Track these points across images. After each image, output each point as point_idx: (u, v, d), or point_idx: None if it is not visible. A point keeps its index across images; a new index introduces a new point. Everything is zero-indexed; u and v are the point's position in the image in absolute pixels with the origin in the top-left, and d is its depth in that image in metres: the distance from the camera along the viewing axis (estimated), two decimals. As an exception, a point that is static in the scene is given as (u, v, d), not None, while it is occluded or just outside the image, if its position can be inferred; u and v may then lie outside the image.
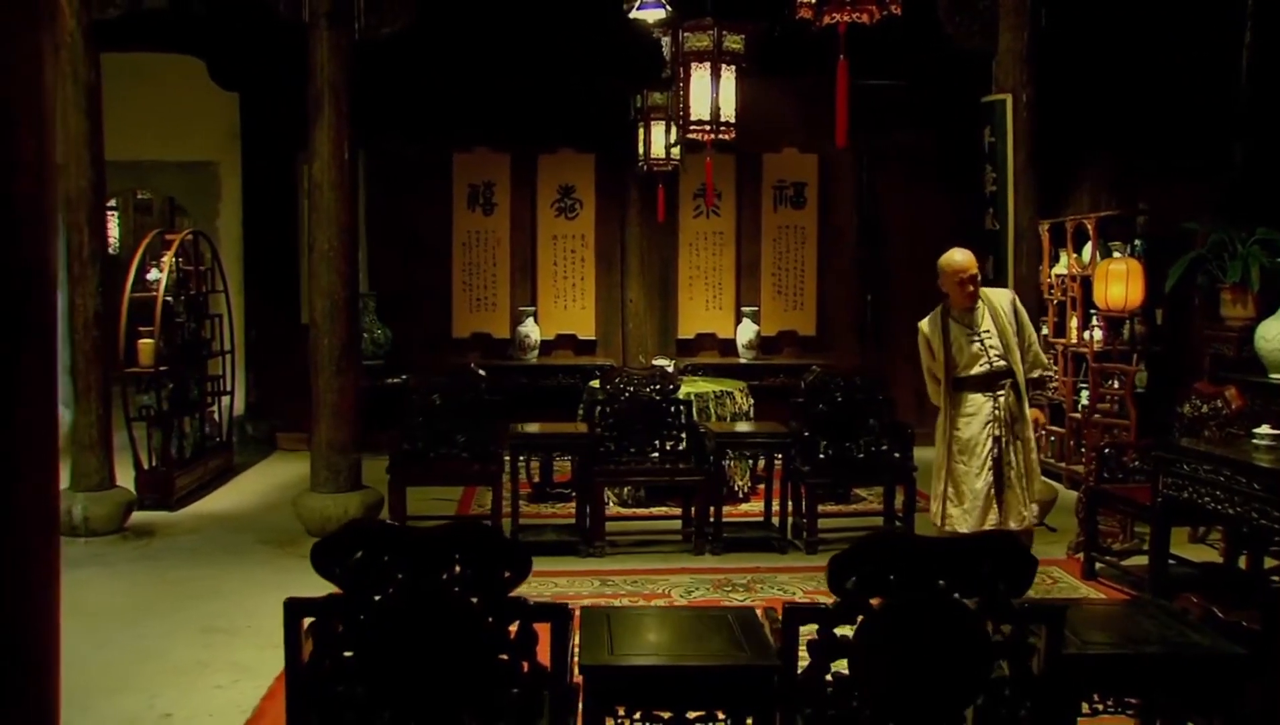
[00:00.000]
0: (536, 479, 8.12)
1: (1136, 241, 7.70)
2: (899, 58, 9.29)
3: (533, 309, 10.08)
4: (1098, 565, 6.06)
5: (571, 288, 10.24)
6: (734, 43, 5.79)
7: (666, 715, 2.66)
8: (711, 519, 6.60)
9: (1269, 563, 5.54)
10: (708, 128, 5.80)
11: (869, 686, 2.65)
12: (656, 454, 6.73)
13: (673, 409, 6.79)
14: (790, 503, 6.88)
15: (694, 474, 6.63)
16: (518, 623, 2.59)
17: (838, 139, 3.74)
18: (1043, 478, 7.62)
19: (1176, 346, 7.66)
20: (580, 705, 2.69)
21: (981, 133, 6.98)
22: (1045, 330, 8.90)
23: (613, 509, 7.71)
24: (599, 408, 6.80)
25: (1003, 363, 5.28)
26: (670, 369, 8.32)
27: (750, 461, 7.82)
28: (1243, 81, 6.93)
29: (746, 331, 10.13)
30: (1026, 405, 5.31)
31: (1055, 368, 5.05)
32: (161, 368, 7.50)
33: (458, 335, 10.14)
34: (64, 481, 6.70)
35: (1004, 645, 2.65)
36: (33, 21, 1.66)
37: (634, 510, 7.72)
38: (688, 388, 8.00)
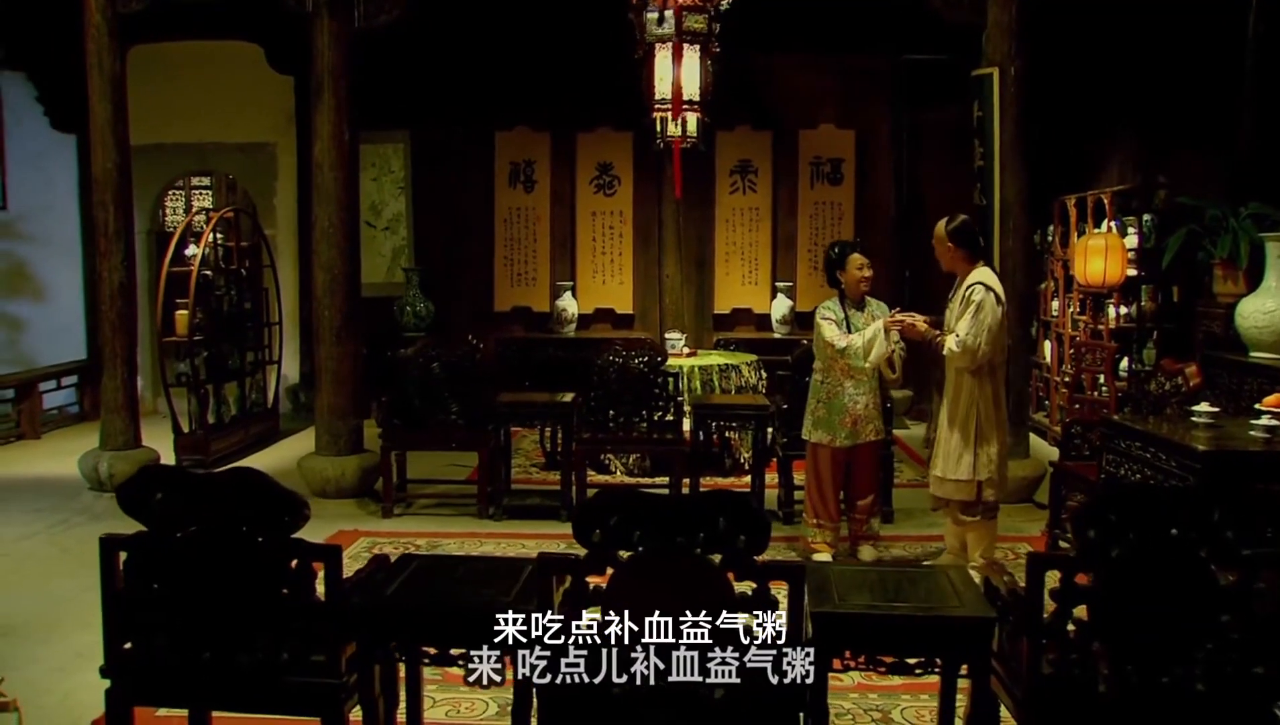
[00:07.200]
0: (549, 448, 8.40)
1: (1145, 217, 7.51)
2: (941, 31, 9.20)
3: (571, 284, 10.34)
4: (1061, 543, 6.02)
5: (610, 263, 10.46)
6: (696, 23, 5.91)
7: (432, 651, 2.90)
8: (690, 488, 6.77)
9: None
10: (669, 106, 5.94)
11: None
12: (644, 424, 6.92)
13: (660, 381, 6.98)
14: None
15: (674, 444, 6.81)
16: (296, 561, 2.87)
17: (672, 114, 3.87)
18: (1034, 454, 7.59)
19: (1187, 323, 7.46)
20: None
21: (970, 107, 6.94)
22: (1073, 307, 8.74)
23: (619, 478, 7.97)
24: (591, 379, 7.03)
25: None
26: (681, 344, 8.51)
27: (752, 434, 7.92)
28: (1248, 54, 6.70)
29: (781, 307, 10.19)
30: (949, 383, 5.34)
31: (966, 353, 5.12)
32: (196, 337, 8.04)
33: (499, 309, 10.48)
34: (94, 442, 7.30)
35: (748, 599, 2.81)
36: None
37: (638, 480, 7.93)
38: (699, 361, 8.17)
